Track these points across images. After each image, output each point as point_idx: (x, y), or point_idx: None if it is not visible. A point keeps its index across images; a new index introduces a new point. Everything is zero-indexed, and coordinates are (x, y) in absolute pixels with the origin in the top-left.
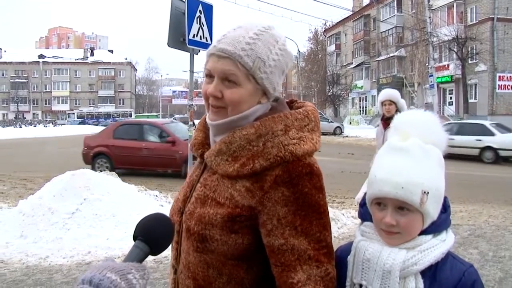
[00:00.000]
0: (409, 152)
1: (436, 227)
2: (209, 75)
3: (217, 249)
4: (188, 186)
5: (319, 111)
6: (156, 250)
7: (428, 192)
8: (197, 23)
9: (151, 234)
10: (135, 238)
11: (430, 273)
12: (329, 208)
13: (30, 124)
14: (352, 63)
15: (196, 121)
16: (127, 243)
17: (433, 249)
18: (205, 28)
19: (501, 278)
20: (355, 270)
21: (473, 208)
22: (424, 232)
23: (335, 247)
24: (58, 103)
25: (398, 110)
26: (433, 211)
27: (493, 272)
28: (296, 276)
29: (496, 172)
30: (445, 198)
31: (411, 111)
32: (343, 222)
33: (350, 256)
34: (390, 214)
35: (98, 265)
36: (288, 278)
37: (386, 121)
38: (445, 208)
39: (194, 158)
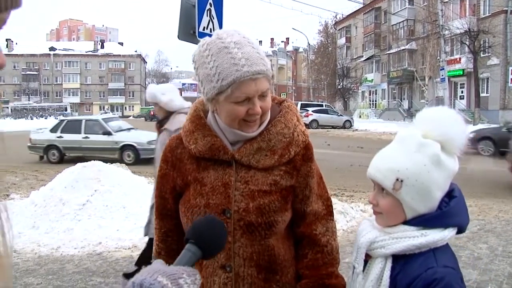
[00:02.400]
0: (404, 142)
1: (423, 221)
2: (246, 99)
3: (280, 229)
4: (221, 188)
5: (328, 104)
6: (208, 254)
7: (402, 180)
8: (207, 15)
9: (204, 238)
10: (186, 241)
11: (403, 262)
12: (338, 201)
13: (41, 116)
14: (362, 56)
15: None
16: (137, 234)
17: (406, 239)
18: (215, 21)
19: (510, 273)
20: (354, 242)
21: (483, 203)
22: (410, 223)
23: (343, 240)
24: (69, 95)
25: (167, 110)
26: (412, 202)
27: (502, 267)
28: (318, 229)
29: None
30: (451, 198)
31: (433, 108)
32: (352, 216)
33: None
34: (374, 194)
35: (148, 268)
36: (312, 230)
37: (158, 124)
38: (445, 206)
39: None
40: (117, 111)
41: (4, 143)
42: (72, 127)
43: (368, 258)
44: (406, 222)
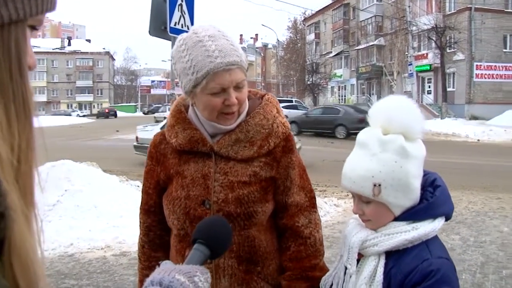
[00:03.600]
0: (366, 146)
1: (412, 215)
2: (221, 91)
3: (259, 220)
4: (201, 180)
5: (298, 100)
6: (215, 253)
7: (379, 184)
8: (178, 11)
9: (212, 237)
10: (194, 241)
11: (396, 257)
12: None
13: None
14: (331, 52)
15: None
16: (110, 234)
17: (398, 234)
18: (187, 16)
19: (482, 263)
20: (341, 243)
21: (453, 194)
22: (399, 218)
23: None
24: (36, 93)
25: None
26: (395, 200)
27: (475, 257)
28: (300, 220)
29: (475, 160)
30: (436, 188)
31: (384, 98)
32: (326, 210)
33: (342, 230)
34: (356, 204)
35: (164, 267)
36: (295, 223)
37: None
38: (431, 197)
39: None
40: (86, 109)
41: None
42: None
43: (359, 257)
44: (396, 218)
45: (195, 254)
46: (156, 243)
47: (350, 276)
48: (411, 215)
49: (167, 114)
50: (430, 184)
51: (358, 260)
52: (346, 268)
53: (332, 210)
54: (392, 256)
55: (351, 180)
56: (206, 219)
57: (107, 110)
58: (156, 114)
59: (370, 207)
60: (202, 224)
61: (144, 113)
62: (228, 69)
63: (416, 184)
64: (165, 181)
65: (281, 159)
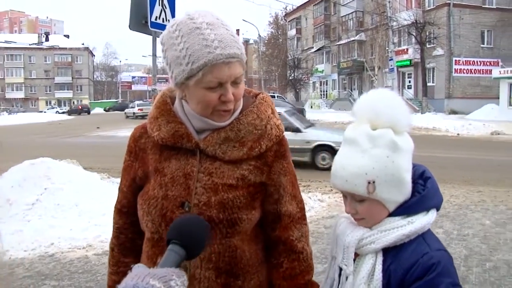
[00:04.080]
0: (356, 142)
1: (406, 209)
2: (218, 85)
3: (244, 229)
4: (182, 179)
5: (280, 95)
6: (191, 253)
7: (374, 181)
8: (159, 5)
9: (187, 237)
10: (168, 241)
11: (394, 252)
12: None
13: None
14: (312, 47)
15: None
16: (92, 233)
17: (395, 230)
18: (168, 10)
19: (466, 256)
20: (332, 244)
21: None
22: (393, 214)
23: None
24: (12, 90)
25: None
26: (389, 196)
27: (459, 250)
28: (294, 234)
29: (455, 153)
30: (426, 180)
31: (368, 93)
32: (310, 206)
33: (332, 230)
34: (349, 204)
35: (137, 272)
36: (289, 236)
37: None
38: (423, 189)
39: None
40: (65, 106)
41: None
42: None
43: (355, 256)
44: (389, 214)
45: (170, 255)
46: (126, 247)
47: (347, 277)
48: (405, 209)
49: (136, 110)
50: (420, 177)
51: (353, 260)
52: (340, 270)
53: (316, 205)
54: (389, 252)
55: (343, 179)
56: (181, 217)
57: (80, 107)
58: (126, 110)
59: (364, 205)
60: (176, 223)
61: (105, 110)
62: (228, 62)
63: (408, 178)
64: (142, 178)
65: (273, 164)
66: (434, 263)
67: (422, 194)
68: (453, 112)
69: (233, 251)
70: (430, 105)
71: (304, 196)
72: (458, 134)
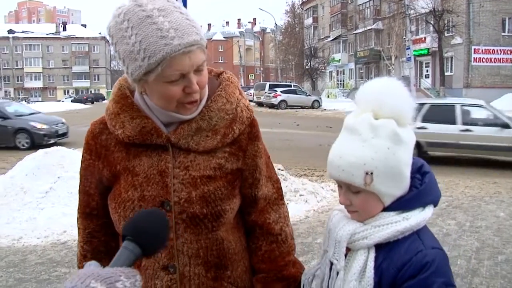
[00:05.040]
0: (356, 131)
1: (402, 204)
2: (180, 77)
3: (228, 219)
4: (157, 177)
5: (297, 84)
6: (148, 251)
7: (372, 173)
8: None
9: (143, 233)
10: (123, 238)
11: (387, 249)
12: (308, 181)
13: None
14: (329, 36)
15: None
16: None
17: (389, 225)
18: None
19: (478, 248)
20: (324, 237)
21: (449, 179)
22: (388, 208)
23: (314, 221)
24: (31, 79)
25: None
26: (387, 189)
27: (470, 242)
28: (271, 216)
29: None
30: (424, 174)
31: (372, 81)
32: (322, 196)
33: (326, 223)
34: (343, 194)
35: (80, 272)
36: (265, 219)
37: None
38: (420, 184)
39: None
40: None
41: None
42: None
43: (346, 251)
44: (384, 209)
45: (122, 253)
46: (100, 251)
47: (338, 273)
48: (401, 204)
49: None
50: (417, 171)
51: (345, 255)
52: (331, 264)
53: (328, 196)
54: (382, 249)
55: (339, 169)
56: (138, 212)
57: (85, 97)
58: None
59: (359, 197)
60: (132, 219)
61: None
62: (188, 52)
63: (407, 172)
64: (110, 179)
65: (247, 148)
66: (428, 262)
67: (419, 189)
68: None
69: (220, 244)
70: (447, 94)
71: (317, 186)
72: None
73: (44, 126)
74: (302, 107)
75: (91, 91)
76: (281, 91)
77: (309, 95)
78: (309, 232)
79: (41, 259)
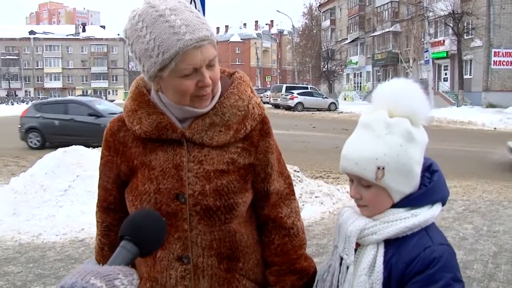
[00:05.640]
0: (371, 127)
1: (411, 201)
2: (193, 71)
3: (241, 212)
4: (173, 170)
5: (313, 86)
6: (145, 250)
7: (383, 168)
8: None
9: (141, 233)
10: (121, 238)
11: (396, 245)
12: (324, 183)
13: (22, 101)
14: (347, 38)
15: None
16: None
17: (398, 222)
18: (198, 1)
19: (495, 253)
20: (334, 233)
21: (467, 183)
22: (397, 205)
23: (330, 223)
24: (51, 80)
25: None
26: (397, 186)
27: (488, 247)
28: (283, 211)
29: (490, 148)
30: (433, 173)
31: (389, 81)
32: (338, 197)
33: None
34: (354, 188)
35: (80, 269)
36: (278, 213)
37: None
38: (429, 183)
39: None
40: (101, 95)
41: None
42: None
43: (356, 247)
44: (393, 205)
45: (121, 252)
46: (117, 244)
47: (347, 267)
48: (410, 201)
49: None
50: (427, 169)
51: (355, 250)
52: (341, 259)
53: (344, 197)
54: (391, 244)
55: (352, 162)
56: (135, 212)
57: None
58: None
59: (369, 191)
60: (129, 218)
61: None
62: (199, 46)
63: (418, 170)
64: (127, 173)
65: (259, 144)
66: (435, 257)
67: (428, 187)
68: (491, 105)
69: (232, 236)
70: (466, 98)
71: (332, 188)
72: (495, 128)
73: None
74: (318, 110)
75: (109, 91)
76: (297, 93)
77: (325, 97)
78: (325, 234)
79: (59, 256)
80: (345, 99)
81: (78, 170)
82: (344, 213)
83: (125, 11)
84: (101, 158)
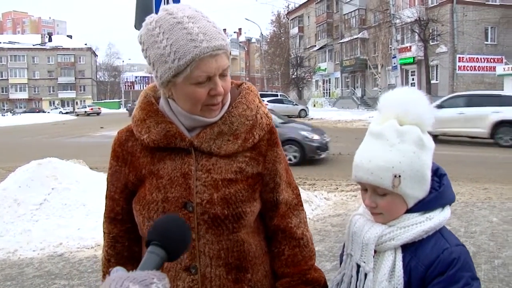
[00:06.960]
0: (383, 136)
1: (424, 205)
2: (207, 79)
3: (249, 221)
4: (181, 179)
5: (283, 94)
6: (173, 255)
7: (399, 175)
8: (164, 3)
9: (168, 238)
10: (148, 243)
11: (413, 249)
12: (302, 190)
13: None
14: (315, 45)
15: None
16: (100, 233)
17: (414, 226)
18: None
19: (474, 253)
20: (347, 241)
21: None
22: (411, 210)
23: (311, 229)
24: (16, 91)
25: None
26: (412, 192)
27: (467, 247)
28: (292, 221)
29: (459, 151)
30: (441, 177)
31: (394, 90)
32: (316, 204)
33: (346, 228)
34: (369, 197)
35: (114, 277)
36: (287, 224)
37: None
38: (439, 186)
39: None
40: (68, 106)
41: None
42: None
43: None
44: (408, 210)
45: (150, 257)
46: (124, 256)
47: (366, 275)
48: (423, 206)
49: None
50: (434, 173)
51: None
52: (358, 267)
53: (322, 204)
54: (408, 248)
55: (368, 171)
56: (160, 218)
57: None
58: (129, 108)
59: (385, 199)
60: (156, 224)
61: (127, 109)
62: (215, 55)
63: (429, 175)
64: (135, 183)
65: (267, 153)
66: (455, 258)
67: (439, 191)
68: None
69: (240, 246)
70: (433, 102)
71: (310, 194)
72: None
73: (316, 137)
74: (289, 116)
75: (76, 102)
76: (267, 101)
77: (295, 104)
78: None
79: (38, 272)
80: (314, 105)
81: (53, 183)
82: (356, 221)
83: (93, 21)
84: (109, 168)
